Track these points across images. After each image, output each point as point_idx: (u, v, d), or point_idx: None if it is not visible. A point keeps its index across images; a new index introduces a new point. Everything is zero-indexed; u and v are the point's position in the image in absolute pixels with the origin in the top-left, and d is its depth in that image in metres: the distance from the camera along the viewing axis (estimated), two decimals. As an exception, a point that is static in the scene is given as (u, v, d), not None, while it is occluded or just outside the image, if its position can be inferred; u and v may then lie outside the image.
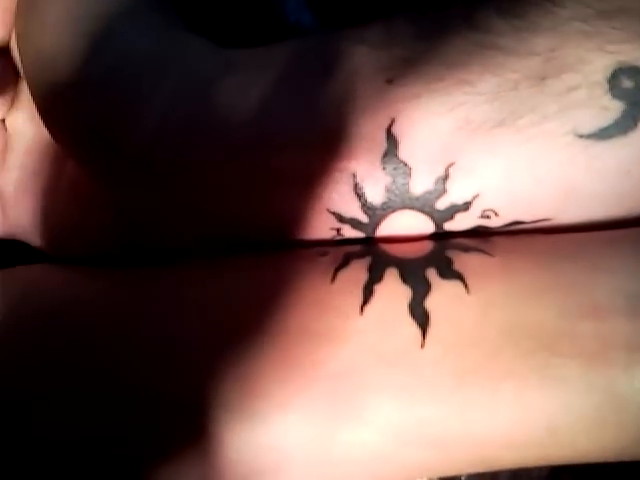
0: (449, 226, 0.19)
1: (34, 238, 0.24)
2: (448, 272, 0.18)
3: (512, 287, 0.18)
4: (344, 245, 0.20)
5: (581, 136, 0.18)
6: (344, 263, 0.19)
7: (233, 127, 0.19)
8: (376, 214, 0.19)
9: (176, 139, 0.19)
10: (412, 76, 0.18)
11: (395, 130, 0.18)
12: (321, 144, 0.19)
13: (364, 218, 0.19)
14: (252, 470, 0.17)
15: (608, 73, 0.18)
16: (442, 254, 0.19)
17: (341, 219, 0.20)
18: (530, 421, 0.17)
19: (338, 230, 0.20)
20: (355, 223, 0.20)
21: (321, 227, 0.20)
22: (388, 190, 0.19)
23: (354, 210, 0.19)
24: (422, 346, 0.17)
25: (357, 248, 0.20)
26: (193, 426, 0.18)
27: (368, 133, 0.19)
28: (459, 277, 0.18)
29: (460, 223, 0.19)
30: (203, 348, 0.18)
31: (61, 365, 0.19)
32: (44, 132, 0.22)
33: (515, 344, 0.17)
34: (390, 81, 0.19)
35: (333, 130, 0.19)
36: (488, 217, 0.19)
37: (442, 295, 0.18)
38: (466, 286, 0.18)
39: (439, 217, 0.19)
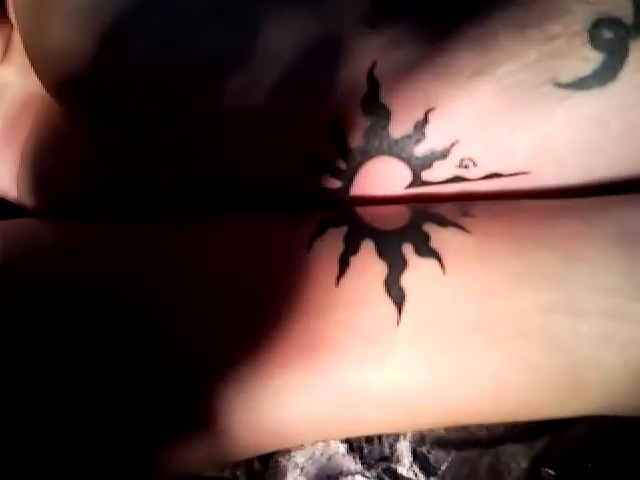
0: (427, 176, 0.19)
1: (12, 190, 0.24)
2: (425, 250, 0.18)
3: (488, 272, 0.17)
4: (321, 209, 0.20)
5: (559, 85, 0.18)
6: (320, 231, 0.19)
7: (214, 67, 0.19)
8: (354, 159, 0.19)
9: (156, 74, 0.19)
10: (394, 23, 0.19)
11: (376, 73, 0.18)
12: (302, 85, 0.19)
13: (342, 164, 0.19)
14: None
15: (588, 24, 0.18)
16: (419, 228, 0.18)
17: (319, 164, 0.19)
18: (501, 397, 0.17)
19: (316, 178, 0.20)
20: (333, 169, 0.19)
21: (299, 173, 0.20)
22: (367, 134, 0.19)
23: (332, 154, 0.19)
24: (397, 323, 0.17)
25: (333, 214, 0.19)
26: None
27: (350, 75, 0.19)
28: (436, 256, 0.18)
29: (438, 172, 0.19)
30: (176, 312, 0.18)
31: (42, 328, 0.18)
32: (31, 84, 0.22)
33: (489, 329, 0.17)
34: (373, 26, 0.19)
35: (314, 70, 0.19)
36: (466, 167, 0.19)
37: (418, 273, 0.18)
38: (442, 266, 0.18)
39: (417, 164, 0.19)
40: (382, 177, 0.20)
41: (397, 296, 0.17)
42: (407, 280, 0.17)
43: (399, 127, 0.19)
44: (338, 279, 0.18)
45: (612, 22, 0.18)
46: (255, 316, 0.18)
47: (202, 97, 0.19)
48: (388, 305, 0.17)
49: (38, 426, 0.17)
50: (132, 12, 0.19)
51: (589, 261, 0.17)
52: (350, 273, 0.18)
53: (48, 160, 0.22)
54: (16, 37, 0.24)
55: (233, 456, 0.19)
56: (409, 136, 0.19)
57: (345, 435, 0.21)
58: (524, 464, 0.25)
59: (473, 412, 0.18)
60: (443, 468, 0.23)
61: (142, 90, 0.19)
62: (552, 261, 0.17)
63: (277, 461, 0.22)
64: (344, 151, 0.19)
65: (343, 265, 0.18)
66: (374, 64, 0.19)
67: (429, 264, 0.18)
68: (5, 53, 0.24)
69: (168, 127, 0.20)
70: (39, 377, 0.18)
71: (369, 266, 0.18)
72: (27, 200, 0.23)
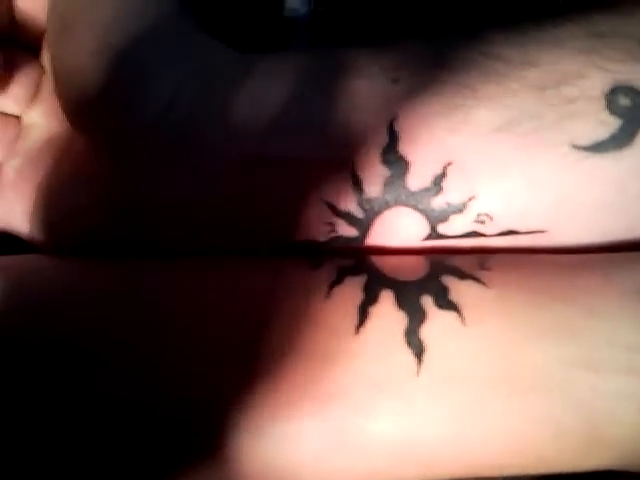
0: (443, 229, 0.19)
1: (25, 227, 0.24)
2: (444, 302, 0.18)
3: (508, 325, 0.17)
4: (336, 256, 0.20)
5: (577, 147, 0.18)
6: (339, 279, 0.19)
7: (239, 118, 0.20)
8: (371, 209, 0.19)
9: (181, 119, 0.20)
10: (416, 77, 0.19)
11: (396, 126, 0.19)
12: (323, 135, 0.19)
13: (359, 213, 0.20)
14: None
15: (606, 89, 0.18)
16: (437, 280, 0.18)
17: (336, 212, 0.20)
18: (519, 451, 0.17)
19: (332, 226, 0.20)
20: (350, 218, 0.20)
21: (316, 221, 0.20)
22: (385, 184, 0.19)
23: (350, 203, 0.19)
24: (417, 374, 0.17)
25: (351, 262, 0.19)
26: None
27: (370, 127, 0.19)
28: (455, 308, 0.18)
29: (454, 226, 0.19)
30: (190, 358, 0.18)
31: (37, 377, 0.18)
32: (55, 126, 0.23)
33: (508, 382, 0.17)
34: (395, 81, 0.19)
35: (336, 122, 0.19)
36: (483, 222, 0.19)
37: (438, 325, 0.18)
38: (462, 319, 0.18)
39: (434, 217, 0.19)
40: (398, 228, 0.20)
41: (417, 347, 0.17)
42: (427, 331, 0.17)
43: (417, 179, 0.19)
44: (357, 328, 0.18)
45: (628, 89, 0.18)
46: (272, 361, 0.18)
47: (225, 144, 0.20)
48: (407, 356, 0.17)
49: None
50: (159, 61, 0.20)
51: (609, 316, 0.17)
52: (369, 323, 0.18)
53: (62, 199, 0.23)
54: (45, 82, 0.25)
55: None
56: (427, 189, 0.19)
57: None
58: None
59: (490, 464, 0.18)
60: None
61: (165, 132, 0.20)
62: (571, 315, 0.17)
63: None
64: (362, 200, 0.19)
65: (362, 314, 0.18)
66: (394, 117, 0.19)
67: (449, 316, 0.18)
68: (35, 96, 0.25)
69: (191, 175, 0.20)
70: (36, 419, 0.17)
71: (389, 316, 0.18)
72: (37, 237, 0.23)
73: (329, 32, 0.26)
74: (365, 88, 0.19)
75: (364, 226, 0.20)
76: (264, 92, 0.20)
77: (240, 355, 0.18)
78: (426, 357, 0.17)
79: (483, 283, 0.18)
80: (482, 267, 0.19)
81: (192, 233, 0.21)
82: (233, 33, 0.24)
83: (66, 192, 0.23)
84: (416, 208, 0.19)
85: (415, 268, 0.19)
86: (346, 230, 0.20)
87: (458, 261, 0.19)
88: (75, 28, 0.21)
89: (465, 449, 0.17)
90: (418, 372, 0.17)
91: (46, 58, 0.24)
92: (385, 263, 0.19)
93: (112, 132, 0.20)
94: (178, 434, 0.17)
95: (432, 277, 0.19)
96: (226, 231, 0.21)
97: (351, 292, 0.18)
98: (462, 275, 0.18)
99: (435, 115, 0.19)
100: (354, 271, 0.19)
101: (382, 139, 0.19)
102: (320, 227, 0.20)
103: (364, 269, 0.19)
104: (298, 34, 0.26)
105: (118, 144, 0.20)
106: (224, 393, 0.17)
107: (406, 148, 0.19)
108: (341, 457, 0.17)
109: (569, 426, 0.17)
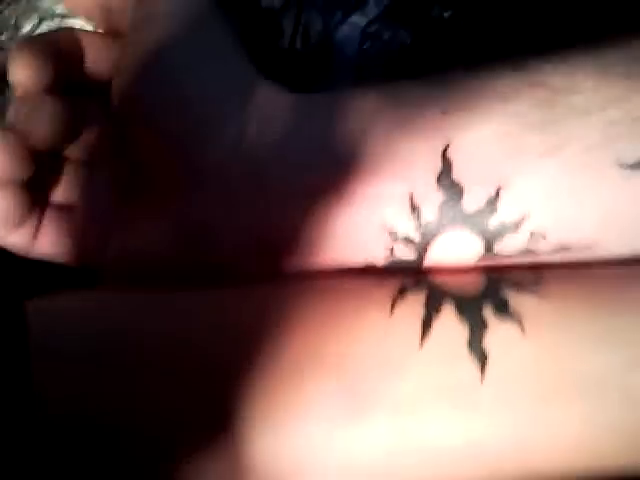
0: (499, 248, 0.20)
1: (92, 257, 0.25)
2: (504, 313, 0.19)
3: (566, 335, 0.18)
4: (398, 276, 0.21)
5: (623, 166, 0.19)
6: (401, 296, 0.20)
7: (301, 152, 0.21)
8: (428, 232, 0.21)
9: (244, 164, 0.21)
10: (465, 106, 0.21)
11: (449, 154, 0.20)
12: (382, 166, 0.21)
13: (417, 237, 0.21)
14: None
15: None
16: (496, 293, 0.19)
17: (395, 237, 0.21)
18: (578, 454, 0.18)
19: (392, 249, 0.21)
20: (408, 242, 0.21)
21: (376, 246, 0.21)
22: (441, 209, 0.20)
23: (408, 228, 0.21)
24: (481, 382, 0.18)
25: (411, 280, 0.21)
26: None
27: (425, 156, 0.20)
28: (515, 319, 0.19)
29: (509, 245, 0.20)
30: (255, 373, 0.19)
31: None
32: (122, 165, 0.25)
33: (568, 389, 0.18)
34: (445, 112, 0.21)
35: (393, 154, 0.21)
36: (536, 240, 0.20)
37: (499, 335, 0.19)
38: (522, 329, 0.18)
39: (489, 237, 0.20)
40: (455, 249, 0.21)
41: (480, 356, 0.18)
42: (489, 341, 0.18)
43: (472, 202, 0.20)
44: (422, 341, 0.19)
45: None
46: (343, 372, 0.19)
47: (291, 177, 0.21)
48: (471, 365, 0.18)
49: None
50: (234, 102, 0.22)
51: None
52: (433, 335, 0.19)
53: (133, 229, 0.24)
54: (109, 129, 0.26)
55: None
56: (481, 211, 0.20)
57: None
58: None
59: (548, 468, 0.18)
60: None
61: (228, 173, 0.22)
62: (625, 324, 0.18)
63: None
64: (419, 225, 0.20)
65: (426, 328, 0.19)
66: (447, 145, 0.20)
67: (509, 327, 0.18)
68: (101, 143, 0.26)
69: (261, 202, 0.21)
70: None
71: (451, 328, 0.19)
72: (108, 266, 0.25)
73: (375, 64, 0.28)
74: (419, 119, 0.21)
75: (421, 249, 0.21)
76: (325, 130, 0.21)
77: (318, 367, 0.19)
78: (489, 366, 0.18)
79: (540, 295, 0.19)
80: (538, 280, 0.20)
81: (258, 259, 0.22)
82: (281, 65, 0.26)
83: (137, 223, 0.24)
84: (472, 229, 0.20)
85: (474, 283, 0.20)
86: (404, 253, 0.21)
87: (515, 275, 0.20)
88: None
89: (527, 453, 0.18)
90: (482, 380, 0.18)
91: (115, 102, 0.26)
92: (444, 280, 0.20)
93: (189, 164, 0.22)
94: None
95: (491, 290, 0.20)
96: (290, 254, 0.22)
97: (413, 307, 0.19)
98: (520, 288, 0.19)
99: (486, 142, 0.20)
100: (415, 287, 0.20)
101: (437, 166, 0.20)
102: (380, 251, 0.21)
103: (424, 285, 0.20)
104: (345, 64, 0.28)
105: (193, 175, 0.22)
106: (281, 406, 0.18)
107: (460, 174, 0.20)
108: (409, 462, 0.18)
109: (626, 427, 0.18)
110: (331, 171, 0.21)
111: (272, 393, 0.19)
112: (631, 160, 0.19)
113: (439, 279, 0.20)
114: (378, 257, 0.21)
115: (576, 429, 0.18)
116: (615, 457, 0.18)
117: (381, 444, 0.18)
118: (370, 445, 0.18)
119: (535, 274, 0.20)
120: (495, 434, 0.18)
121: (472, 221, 0.20)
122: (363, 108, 0.22)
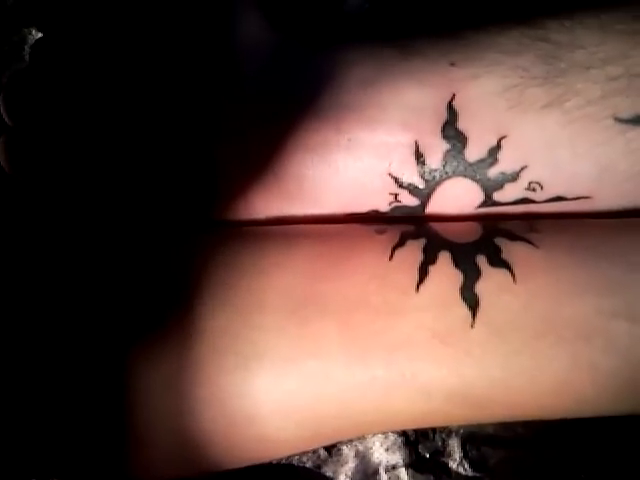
0: (497, 197, 0.22)
1: None
2: (497, 260, 0.20)
3: (555, 281, 0.19)
4: (399, 224, 0.22)
5: (620, 120, 0.20)
6: (401, 242, 0.21)
7: (317, 100, 0.22)
8: (432, 180, 0.22)
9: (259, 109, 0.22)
10: (472, 60, 0.21)
11: (455, 104, 0.21)
12: (390, 115, 0.21)
13: (421, 183, 0.22)
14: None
15: None
16: (491, 241, 0.20)
17: (400, 184, 0.22)
18: (561, 394, 0.19)
19: (396, 196, 0.22)
20: (412, 188, 0.22)
21: (381, 191, 0.22)
22: (445, 157, 0.21)
23: (412, 175, 0.22)
24: (472, 326, 0.19)
25: (412, 228, 0.22)
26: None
27: (431, 105, 0.21)
28: (507, 266, 0.20)
29: (508, 194, 0.21)
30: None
31: None
32: None
33: (555, 332, 0.19)
34: (453, 64, 0.21)
35: (401, 103, 0.21)
36: (534, 190, 0.21)
37: (491, 281, 0.20)
38: (513, 275, 0.19)
39: (489, 186, 0.21)
40: (457, 197, 0.22)
41: (472, 301, 0.19)
42: (481, 287, 0.19)
43: (474, 152, 0.21)
44: (418, 285, 0.20)
45: None
46: (345, 312, 0.20)
47: (301, 124, 0.22)
48: (463, 309, 0.19)
49: None
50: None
51: None
52: (429, 280, 0.20)
53: None
54: None
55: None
56: (483, 160, 0.21)
57: (416, 425, 0.22)
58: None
59: (534, 408, 0.20)
60: (491, 464, 0.24)
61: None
62: (613, 271, 0.19)
63: (340, 449, 0.24)
64: (423, 172, 0.21)
65: (422, 273, 0.20)
66: (453, 96, 0.21)
67: (501, 273, 0.20)
68: None
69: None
70: None
71: (446, 274, 0.20)
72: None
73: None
74: (427, 69, 0.22)
75: (425, 195, 0.22)
76: (335, 79, 0.22)
77: (320, 308, 0.20)
78: (480, 310, 0.19)
79: (532, 244, 0.20)
80: (532, 230, 0.21)
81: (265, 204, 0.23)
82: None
83: None
84: (473, 178, 0.21)
85: (470, 232, 0.21)
86: (408, 200, 0.22)
87: (510, 225, 0.21)
88: None
89: (513, 392, 0.19)
90: (473, 324, 0.19)
91: None
92: (443, 228, 0.22)
93: None
94: None
95: (486, 239, 0.21)
96: (297, 199, 0.23)
97: (412, 254, 0.20)
98: (513, 237, 0.20)
99: (491, 94, 0.21)
100: (414, 235, 0.21)
101: (442, 116, 0.21)
102: (384, 197, 0.22)
103: (423, 233, 0.21)
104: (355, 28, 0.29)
105: None
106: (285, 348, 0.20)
107: (464, 124, 0.21)
108: (402, 399, 0.19)
109: (608, 370, 0.19)
110: (340, 118, 0.22)
111: (274, 330, 0.20)
112: (628, 115, 0.20)
113: (438, 228, 0.21)
114: (383, 203, 0.22)
115: (561, 372, 0.19)
116: (597, 400, 0.19)
117: (378, 384, 0.19)
118: (367, 385, 0.19)
119: (529, 224, 0.21)
120: (484, 374, 0.19)
121: (474, 170, 0.21)
122: (373, 58, 0.22)
